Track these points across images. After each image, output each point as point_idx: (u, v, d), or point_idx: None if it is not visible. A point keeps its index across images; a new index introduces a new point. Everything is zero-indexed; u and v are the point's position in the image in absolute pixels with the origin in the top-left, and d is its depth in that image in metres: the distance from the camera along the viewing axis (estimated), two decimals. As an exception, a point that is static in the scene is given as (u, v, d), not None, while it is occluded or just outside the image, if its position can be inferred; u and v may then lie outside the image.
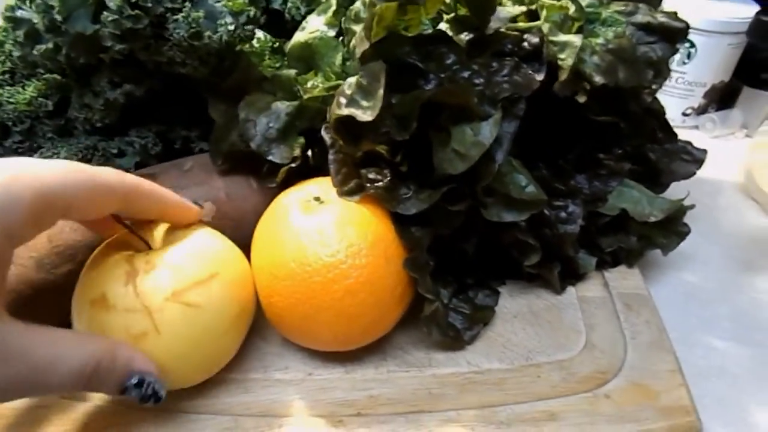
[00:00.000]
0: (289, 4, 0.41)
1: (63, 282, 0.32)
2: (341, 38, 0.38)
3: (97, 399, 0.31)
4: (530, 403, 0.31)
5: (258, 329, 0.34)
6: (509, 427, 0.30)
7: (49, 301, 0.32)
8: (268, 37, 0.47)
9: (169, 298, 0.27)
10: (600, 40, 0.33)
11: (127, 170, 0.37)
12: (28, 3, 0.33)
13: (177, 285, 0.27)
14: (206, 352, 0.29)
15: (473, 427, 0.30)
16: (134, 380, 0.25)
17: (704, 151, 0.41)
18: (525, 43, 0.31)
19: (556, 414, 0.31)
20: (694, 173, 0.41)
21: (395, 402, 0.31)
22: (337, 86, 0.34)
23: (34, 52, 0.33)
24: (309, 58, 0.37)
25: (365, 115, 0.27)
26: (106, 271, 0.28)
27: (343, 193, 0.31)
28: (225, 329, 0.29)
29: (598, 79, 0.32)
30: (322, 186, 0.33)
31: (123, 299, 0.27)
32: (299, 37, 0.37)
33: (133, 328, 0.26)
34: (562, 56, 0.31)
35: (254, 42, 0.45)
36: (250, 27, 0.35)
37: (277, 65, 0.46)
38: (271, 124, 0.33)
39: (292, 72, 0.37)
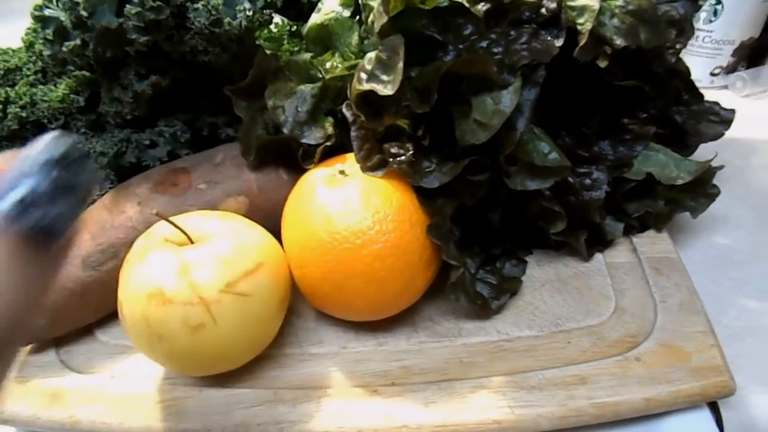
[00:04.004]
0: (305, -14, 0.41)
1: (108, 278, 0.33)
2: (356, 18, 0.38)
3: (143, 378, 0.32)
4: (561, 368, 0.32)
5: (292, 308, 0.35)
6: (541, 391, 0.30)
7: (97, 296, 0.34)
8: (286, 21, 0.47)
9: (223, 289, 0.28)
10: (619, 2, 0.32)
11: (160, 161, 0.39)
12: (54, 1, 0.34)
13: (229, 277, 0.28)
14: (255, 337, 0.31)
15: (505, 392, 0.30)
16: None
17: (732, 111, 0.40)
18: (543, 9, 0.31)
19: (586, 378, 0.31)
20: (723, 134, 0.40)
21: (428, 371, 0.32)
22: (356, 65, 0.34)
23: (63, 48, 0.34)
24: (326, 39, 0.38)
25: (386, 89, 0.28)
26: (157, 265, 0.29)
27: (366, 169, 0.32)
28: (272, 314, 0.31)
29: (619, 41, 0.31)
30: (346, 162, 0.34)
31: (180, 293, 0.28)
32: (315, 18, 0.38)
33: (191, 320, 0.28)
34: (580, 21, 0.31)
35: (272, 27, 0.46)
36: (267, 11, 0.36)
37: (296, 49, 0.46)
38: (299, 108, 0.34)
39: (308, 55, 0.38)
